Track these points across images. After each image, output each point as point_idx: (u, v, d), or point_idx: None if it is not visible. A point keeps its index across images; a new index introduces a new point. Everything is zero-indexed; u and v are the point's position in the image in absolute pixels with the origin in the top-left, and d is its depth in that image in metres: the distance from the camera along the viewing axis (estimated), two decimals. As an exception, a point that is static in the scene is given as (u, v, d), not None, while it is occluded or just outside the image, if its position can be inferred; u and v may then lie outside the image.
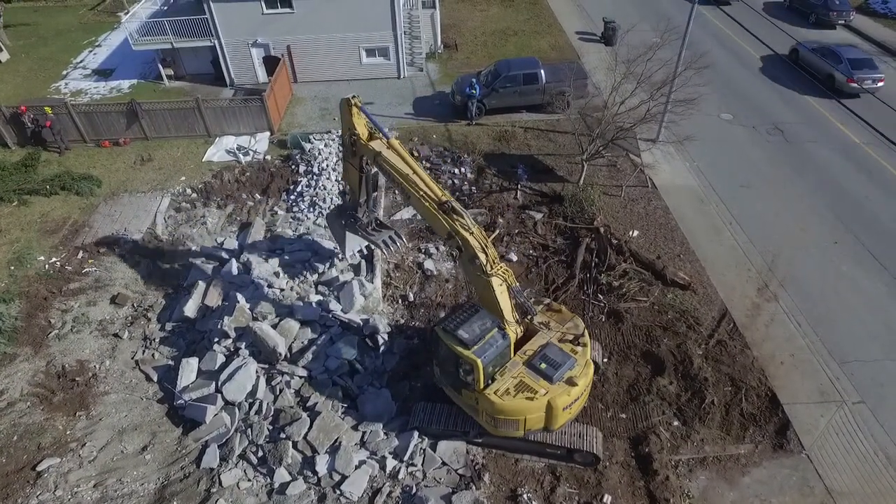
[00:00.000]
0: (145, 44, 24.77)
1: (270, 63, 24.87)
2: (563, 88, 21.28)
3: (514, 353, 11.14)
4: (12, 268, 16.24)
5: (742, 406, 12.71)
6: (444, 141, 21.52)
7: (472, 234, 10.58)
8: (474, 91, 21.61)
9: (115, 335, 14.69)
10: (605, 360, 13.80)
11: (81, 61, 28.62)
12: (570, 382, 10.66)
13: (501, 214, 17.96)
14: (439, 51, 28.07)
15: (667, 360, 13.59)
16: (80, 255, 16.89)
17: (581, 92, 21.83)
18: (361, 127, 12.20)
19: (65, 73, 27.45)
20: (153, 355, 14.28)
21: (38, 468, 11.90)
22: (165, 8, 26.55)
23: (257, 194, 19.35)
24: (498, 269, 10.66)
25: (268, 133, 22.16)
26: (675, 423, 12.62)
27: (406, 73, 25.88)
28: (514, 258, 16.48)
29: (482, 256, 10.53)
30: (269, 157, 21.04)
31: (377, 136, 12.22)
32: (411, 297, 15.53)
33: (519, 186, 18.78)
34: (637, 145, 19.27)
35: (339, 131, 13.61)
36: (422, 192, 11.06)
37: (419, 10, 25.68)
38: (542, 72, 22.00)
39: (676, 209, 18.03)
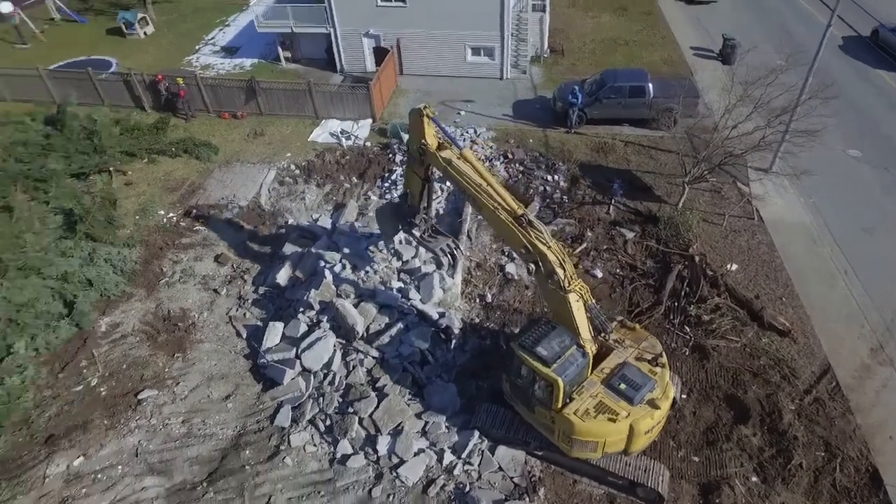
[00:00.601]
0: (268, 26, 26.50)
1: (380, 54, 25.82)
2: (671, 105, 20.54)
3: (591, 371, 10.97)
4: (137, 217, 18.13)
5: (835, 476, 11.60)
6: (541, 146, 21.44)
7: (550, 248, 10.42)
8: (576, 99, 21.35)
9: (215, 290, 15.99)
10: (684, 395, 13.21)
11: (212, 38, 31.07)
12: (653, 405, 10.33)
13: (591, 228, 17.67)
14: (545, 55, 27.92)
15: (753, 408, 12.73)
16: (193, 213, 18.50)
17: (690, 111, 20.96)
18: (431, 137, 12.00)
19: (197, 48, 29.94)
20: (245, 314, 15.40)
21: (139, 396, 13.27)
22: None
23: (354, 178, 20.23)
24: (575, 285, 10.51)
25: (370, 120, 23.07)
26: (754, 478, 11.75)
27: (509, 74, 25.98)
28: (599, 275, 16.17)
29: (560, 272, 10.37)
30: (368, 144, 21.91)
31: (447, 147, 12.06)
32: (489, 298, 15.68)
33: (613, 201, 18.38)
34: (746, 173, 18.24)
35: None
36: (496, 204, 10.93)
37: (529, 13, 25.66)
38: (651, 85, 21.35)
39: (784, 247, 16.84)
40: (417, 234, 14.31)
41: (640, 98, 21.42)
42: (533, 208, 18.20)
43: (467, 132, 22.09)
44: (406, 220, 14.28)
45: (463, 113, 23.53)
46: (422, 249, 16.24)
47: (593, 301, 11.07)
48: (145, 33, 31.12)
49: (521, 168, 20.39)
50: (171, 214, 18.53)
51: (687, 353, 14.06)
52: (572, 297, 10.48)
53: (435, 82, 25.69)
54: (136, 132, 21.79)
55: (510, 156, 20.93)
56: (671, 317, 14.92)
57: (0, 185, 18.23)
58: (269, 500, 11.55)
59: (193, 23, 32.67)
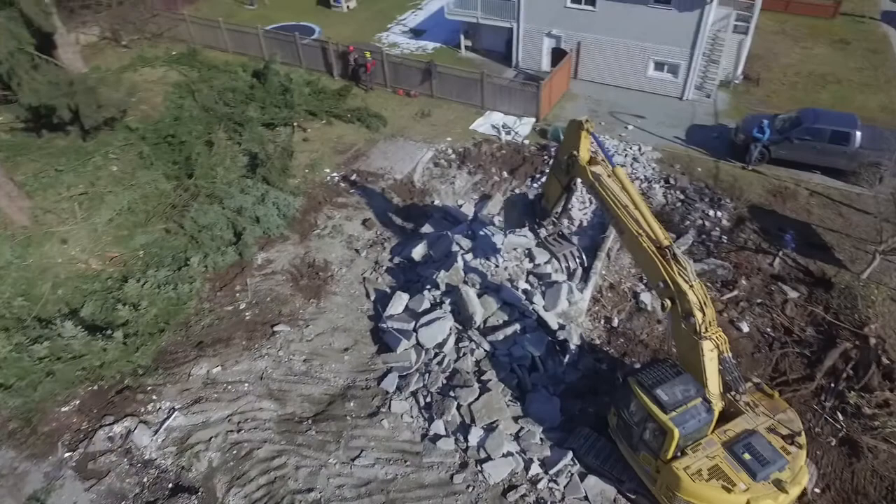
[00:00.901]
0: (457, 14, 27.46)
1: (557, 55, 25.56)
2: (880, 159, 17.72)
3: (713, 430, 10.03)
4: (306, 171, 20.10)
5: None
6: (709, 178, 19.81)
7: (691, 287, 9.63)
8: (763, 134, 19.30)
9: (356, 251, 17.21)
10: (818, 490, 11.52)
11: (403, 19, 33.03)
12: (779, 487, 9.22)
13: (747, 276, 16.00)
14: (736, 81, 25.59)
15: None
16: (353, 177, 20.01)
17: (904, 171, 17.94)
18: (585, 150, 11.64)
19: (389, 26, 32.03)
20: (377, 278, 16.39)
21: (275, 328, 14.77)
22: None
23: (505, 172, 20.40)
24: (712, 333, 9.61)
25: (533, 119, 23.03)
26: None
27: (691, 95, 24.26)
28: (745, 329, 14.61)
29: (698, 315, 9.55)
30: (526, 142, 21.92)
31: (599, 161, 11.61)
32: (615, 323, 14.98)
33: (780, 253, 16.44)
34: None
35: (563, 140, 12.98)
36: (640, 230, 10.32)
37: (727, 34, 23.63)
38: (859, 133, 18.58)
39: None
40: (542, 234, 14.22)
41: (843, 146, 18.77)
42: (685, 240, 16.99)
43: (631, 148, 21.12)
44: (534, 219, 14.31)
45: (630, 127, 22.52)
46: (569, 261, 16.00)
47: (730, 355, 10.08)
48: (349, 7, 33.99)
49: (682, 196, 19.04)
50: (334, 174, 20.25)
51: (833, 444, 12.21)
52: (706, 345, 9.63)
53: (607, 91, 24.87)
54: (321, 95, 24.07)
55: (672, 181, 19.63)
56: (823, 398, 13.03)
57: (209, 123, 21.28)
58: (361, 453, 12.28)
59: (390, 2, 34.96)
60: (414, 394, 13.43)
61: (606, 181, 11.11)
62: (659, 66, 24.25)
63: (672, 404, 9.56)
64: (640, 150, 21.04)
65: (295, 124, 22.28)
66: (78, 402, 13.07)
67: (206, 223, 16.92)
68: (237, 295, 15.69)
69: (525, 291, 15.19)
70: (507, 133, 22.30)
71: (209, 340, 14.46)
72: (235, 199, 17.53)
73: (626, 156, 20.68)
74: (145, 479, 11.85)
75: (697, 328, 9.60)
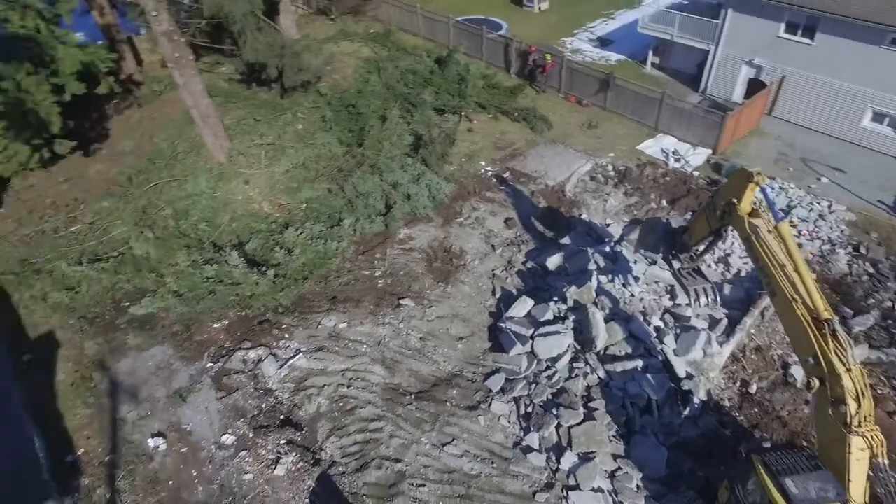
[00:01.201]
0: (650, 29, 26.17)
1: (753, 86, 23.28)
2: None
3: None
4: (463, 160, 20.72)
5: None
6: (912, 255, 16.81)
7: (849, 371, 8.27)
8: None
9: (493, 246, 17.38)
10: None
11: (592, 26, 32.30)
12: None
13: (936, 378, 13.41)
14: (980, 150, 21.27)
15: None
16: (507, 174, 20.17)
17: None
18: (747, 202, 10.59)
19: (575, 32, 31.54)
20: (506, 278, 16.42)
21: (401, 301, 15.52)
22: (686, 2, 27.27)
23: (665, 200, 19.15)
24: (867, 430, 8.17)
25: (709, 151, 21.29)
26: None
27: (913, 157, 20.69)
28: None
29: (852, 405, 8.16)
30: (696, 173, 20.35)
31: (760, 214, 10.51)
32: (752, 389, 13.41)
33: None
34: None
35: (729, 187, 11.67)
36: (796, 296, 9.08)
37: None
38: None
39: None
40: (676, 265, 13.46)
41: None
42: (863, 321, 14.67)
43: (819, 203, 18.59)
44: (671, 249, 13.57)
45: (824, 180, 19.83)
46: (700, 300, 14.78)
47: (886, 462, 8.50)
48: (540, 8, 34.07)
49: (871, 270, 16.37)
50: (488, 168, 20.58)
51: None
52: (856, 442, 8.21)
53: (805, 135, 22.12)
54: (494, 90, 24.52)
55: (863, 250, 16.96)
56: None
57: (386, 99, 22.81)
58: (452, 441, 12.49)
59: (583, 8, 34.38)
60: (516, 400, 13.30)
61: (765, 236, 10.13)
62: (878, 117, 20.99)
63: (801, 500, 8.32)
64: (829, 207, 18.44)
65: (463, 113, 23.00)
66: (227, 322, 14.95)
67: (363, 190, 18.22)
68: (375, 262, 16.72)
69: (657, 329, 14.22)
70: (677, 160, 20.88)
71: (342, 297, 15.63)
72: (394, 174, 18.63)
73: (810, 210, 18.26)
74: (263, 405, 13.23)
75: (848, 420, 8.24)
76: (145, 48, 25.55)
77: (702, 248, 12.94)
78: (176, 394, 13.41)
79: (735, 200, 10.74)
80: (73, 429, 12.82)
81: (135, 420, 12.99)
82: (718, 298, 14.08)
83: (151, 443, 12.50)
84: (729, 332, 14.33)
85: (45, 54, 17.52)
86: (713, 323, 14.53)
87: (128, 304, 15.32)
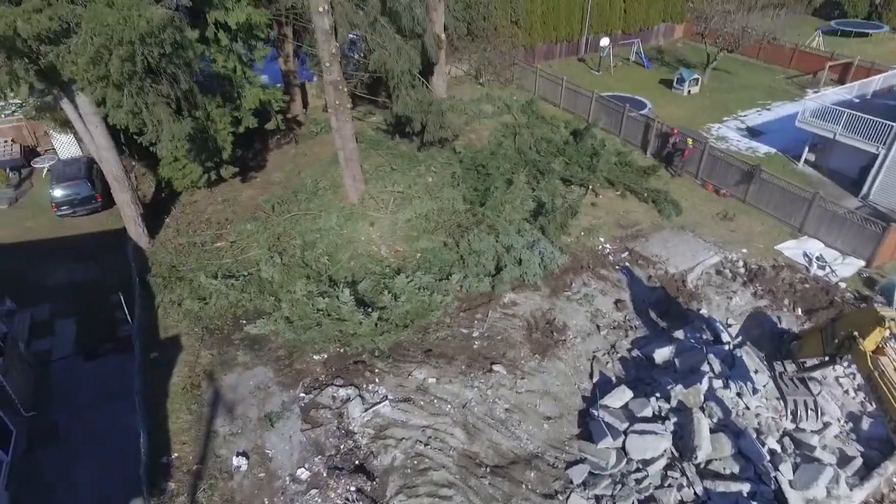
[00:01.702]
0: (810, 124, 24.34)
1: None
2: None
3: None
4: (582, 233, 20.41)
5: None
6: None
7: None
8: None
9: (598, 327, 16.64)
10: None
11: (744, 115, 30.76)
12: None
13: None
14: None
15: None
16: (625, 254, 19.45)
17: None
18: (872, 342, 9.86)
19: (724, 119, 30.23)
20: (607, 363, 15.56)
21: (494, 366, 15.19)
22: (856, 100, 25.07)
23: (800, 310, 17.20)
24: None
25: (862, 263, 18.92)
26: None
27: None
28: None
29: None
30: (843, 285, 18.12)
31: (887, 353, 9.93)
32: (890, 552, 11.24)
33: None
34: None
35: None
36: None
37: None
38: None
39: None
40: (778, 369, 12.44)
41: None
42: None
43: None
44: (776, 352, 12.65)
45: None
46: (829, 430, 12.96)
47: None
48: (689, 92, 33.27)
49: None
50: (607, 246, 20.00)
51: None
52: None
53: None
54: (626, 167, 24.13)
55: None
56: None
57: (516, 164, 23.40)
58: (520, 527, 11.79)
59: (736, 96, 33.00)
60: (598, 498, 12.31)
61: (892, 374, 9.53)
62: None
63: None
64: None
65: (590, 187, 22.80)
66: (325, 356, 15.66)
67: (477, 248, 18.56)
68: (475, 322, 16.74)
69: (772, 452, 12.57)
70: (821, 267, 18.76)
71: (437, 352, 15.75)
72: (510, 237, 18.80)
73: None
74: (342, 446, 13.38)
75: None
76: (312, 94, 29.03)
77: (811, 363, 12.00)
78: (266, 417, 14.00)
79: (857, 334, 10.14)
80: (174, 431, 13.68)
81: (226, 435, 13.66)
82: (820, 414, 12.80)
83: (235, 461, 13.01)
84: (864, 474, 12.25)
85: (235, 91, 20.59)
86: (843, 459, 12.55)
87: (245, 322, 16.70)
